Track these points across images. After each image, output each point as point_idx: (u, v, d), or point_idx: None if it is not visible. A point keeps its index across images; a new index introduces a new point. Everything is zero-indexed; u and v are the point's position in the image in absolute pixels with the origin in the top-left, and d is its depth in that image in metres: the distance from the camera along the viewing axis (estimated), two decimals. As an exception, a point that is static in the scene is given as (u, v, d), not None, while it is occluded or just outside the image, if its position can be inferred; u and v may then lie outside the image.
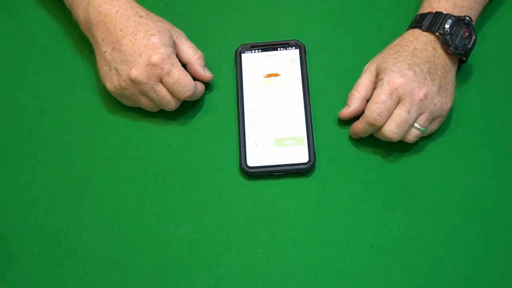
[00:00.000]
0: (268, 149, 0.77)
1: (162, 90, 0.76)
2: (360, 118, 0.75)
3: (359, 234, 0.73)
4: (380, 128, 0.74)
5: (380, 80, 0.74)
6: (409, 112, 0.72)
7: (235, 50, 0.83)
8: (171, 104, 0.77)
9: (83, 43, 0.85)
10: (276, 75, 0.81)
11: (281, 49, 0.82)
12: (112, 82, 0.77)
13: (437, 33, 0.75)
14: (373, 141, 0.77)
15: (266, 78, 0.81)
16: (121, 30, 0.76)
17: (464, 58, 0.78)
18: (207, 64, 0.82)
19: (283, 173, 0.76)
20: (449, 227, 0.73)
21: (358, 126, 0.75)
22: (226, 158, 0.78)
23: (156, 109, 0.79)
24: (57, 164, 0.78)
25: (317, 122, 0.79)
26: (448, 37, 0.74)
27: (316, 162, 0.76)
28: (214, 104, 0.81)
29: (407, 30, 0.78)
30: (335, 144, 0.78)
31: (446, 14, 0.75)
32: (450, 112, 0.78)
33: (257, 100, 0.80)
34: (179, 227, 0.74)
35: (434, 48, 0.75)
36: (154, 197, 0.76)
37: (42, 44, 0.85)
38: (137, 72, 0.74)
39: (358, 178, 0.76)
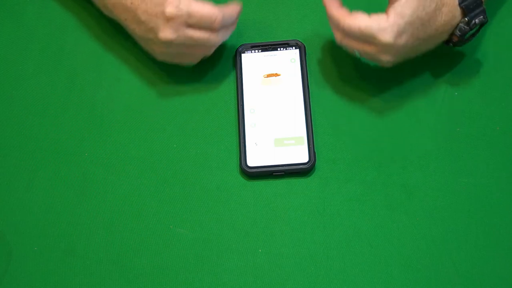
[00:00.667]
0: (268, 149, 0.77)
1: (195, 34, 0.74)
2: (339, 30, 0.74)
3: (359, 234, 0.73)
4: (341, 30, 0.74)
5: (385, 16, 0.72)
6: (360, 50, 0.74)
7: (235, 50, 0.83)
8: (212, 40, 0.75)
9: (84, 43, 0.85)
10: (276, 75, 0.81)
11: (281, 49, 0.82)
12: (156, 53, 0.77)
13: (464, 19, 0.73)
14: (373, 141, 0.77)
15: (266, 78, 0.81)
16: (131, 3, 0.75)
17: (450, 45, 0.77)
18: (207, 65, 0.82)
19: (283, 173, 0.76)
20: (449, 227, 0.73)
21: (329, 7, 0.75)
22: (226, 158, 0.78)
23: (209, 52, 0.78)
24: (57, 164, 0.78)
25: (317, 122, 0.79)
26: (468, 28, 0.74)
27: (316, 162, 0.76)
28: (214, 104, 0.81)
29: None
30: (335, 144, 0.78)
31: (484, 10, 0.74)
32: (450, 112, 0.78)
33: (257, 100, 0.80)
34: (179, 227, 0.74)
35: (445, 15, 0.73)
36: (154, 197, 0.76)
37: (42, 44, 0.85)
38: (163, 33, 0.73)
39: (358, 178, 0.76)
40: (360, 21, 0.72)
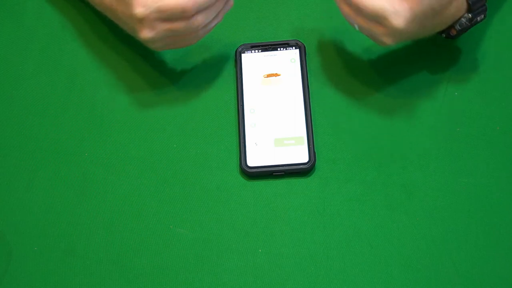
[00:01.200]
0: (268, 149, 0.77)
1: (172, 26, 0.72)
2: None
3: (359, 234, 0.73)
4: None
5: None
6: (361, 26, 0.72)
7: (235, 50, 0.83)
8: (193, 26, 0.72)
9: (83, 43, 0.85)
10: (276, 75, 0.81)
11: (281, 49, 0.82)
12: (149, 47, 0.76)
13: (468, 15, 0.73)
14: (373, 141, 0.77)
15: (266, 78, 0.81)
16: (111, 5, 0.76)
17: (442, 35, 0.77)
18: (207, 65, 0.82)
19: (283, 173, 0.76)
20: (449, 227, 0.73)
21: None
22: (226, 158, 0.78)
23: (199, 36, 0.76)
24: (57, 164, 0.78)
25: (317, 122, 0.79)
26: (469, 25, 0.73)
27: (316, 162, 0.76)
28: (214, 104, 0.81)
29: None
30: (335, 144, 0.78)
31: (486, 7, 0.73)
32: (450, 112, 0.78)
33: (257, 100, 0.80)
34: (179, 227, 0.74)
35: (455, 8, 0.72)
36: (154, 197, 0.76)
37: (42, 44, 0.85)
38: (141, 33, 0.73)
39: (358, 178, 0.76)
40: (374, 0, 0.70)
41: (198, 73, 0.82)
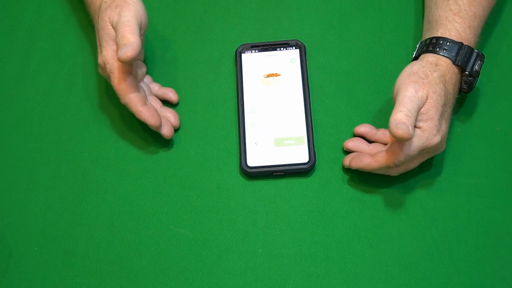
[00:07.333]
0: (268, 149, 0.77)
1: (113, 86, 0.76)
2: (376, 158, 0.72)
3: (359, 234, 0.73)
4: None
5: (420, 129, 0.69)
6: (420, 161, 0.72)
7: (235, 50, 0.83)
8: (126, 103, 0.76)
9: (84, 43, 0.85)
10: (276, 75, 0.81)
11: (281, 49, 0.82)
12: None
13: (467, 72, 0.73)
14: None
15: (266, 78, 0.81)
16: (96, 22, 0.77)
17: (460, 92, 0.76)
18: (206, 65, 0.82)
19: (283, 173, 0.76)
20: (449, 227, 0.73)
21: (371, 164, 0.72)
22: (226, 158, 0.78)
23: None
24: (57, 164, 0.78)
25: (317, 122, 0.79)
26: (472, 78, 0.73)
27: (316, 162, 0.76)
28: (214, 104, 0.81)
29: (433, 50, 0.73)
30: (335, 144, 0.78)
31: (478, 53, 0.73)
32: (450, 112, 0.78)
33: (257, 100, 0.80)
34: (179, 227, 0.74)
35: (454, 85, 0.73)
36: (154, 197, 0.76)
37: (42, 44, 0.85)
38: (99, 68, 0.77)
39: (358, 178, 0.76)
40: (408, 150, 0.69)
41: (198, 73, 0.82)
